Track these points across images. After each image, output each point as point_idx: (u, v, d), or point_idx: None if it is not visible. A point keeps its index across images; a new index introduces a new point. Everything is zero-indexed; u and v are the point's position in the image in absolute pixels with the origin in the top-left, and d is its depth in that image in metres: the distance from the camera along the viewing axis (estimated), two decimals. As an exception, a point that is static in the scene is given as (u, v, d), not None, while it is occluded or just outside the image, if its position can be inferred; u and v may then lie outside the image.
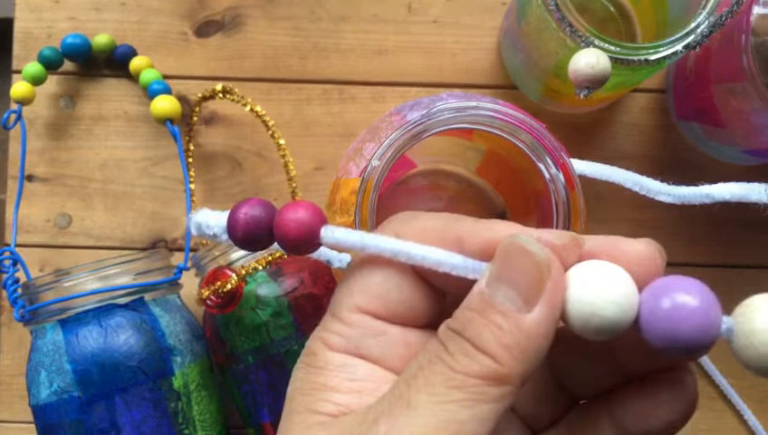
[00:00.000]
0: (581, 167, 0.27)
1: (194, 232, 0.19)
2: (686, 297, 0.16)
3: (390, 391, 0.17)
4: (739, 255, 0.43)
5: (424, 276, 0.19)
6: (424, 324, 0.19)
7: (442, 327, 0.17)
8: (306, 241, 0.18)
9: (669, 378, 0.18)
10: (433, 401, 0.16)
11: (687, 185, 0.25)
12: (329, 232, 0.18)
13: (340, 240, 0.18)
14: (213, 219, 0.19)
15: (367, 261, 0.19)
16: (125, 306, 0.35)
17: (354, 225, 0.27)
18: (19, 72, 0.43)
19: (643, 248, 0.17)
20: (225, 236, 0.19)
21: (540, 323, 0.16)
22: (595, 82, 0.29)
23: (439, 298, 0.19)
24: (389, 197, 0.36)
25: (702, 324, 0.16)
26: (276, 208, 0.19)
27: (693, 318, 0.16)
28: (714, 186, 0.23)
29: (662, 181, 0.26)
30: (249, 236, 0.18)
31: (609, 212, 0.43)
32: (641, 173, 0.43)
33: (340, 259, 0.24)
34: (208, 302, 0.34)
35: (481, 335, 0.16)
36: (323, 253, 0.24)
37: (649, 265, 0.17)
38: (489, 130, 0.27)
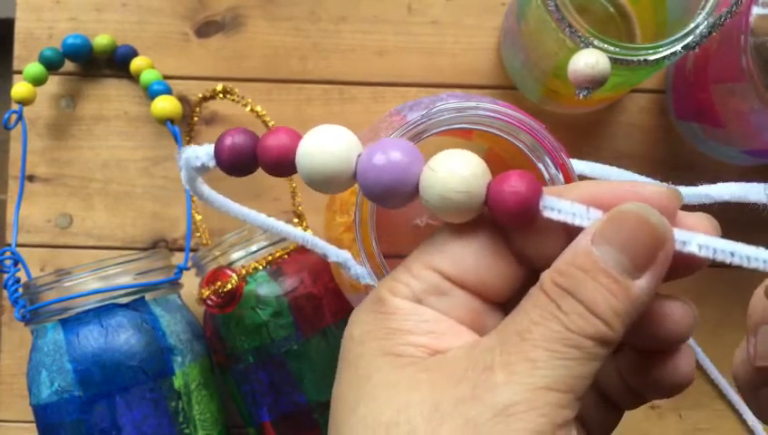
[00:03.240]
0: (581, 167, 0.27)
1: (182, 168, 0.21)
2: (393, 153, 0.18)
3: (498, 340, 0.17)
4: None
5: (513, 247, 0.19)
6: (490, 299, 0.20)
7: (547, 281, 0.17)
8: (284, 163, 0.19)
9: None
10: (552, 357, 0.17)
11: (687, 185, 0.25)
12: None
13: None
14: (199, 150, 0.20)
15: (455, 227, 0.19)
16: (126, 306, 0.35)
17: (354, 225, 0.27)
18: (20, 72, 0.43)
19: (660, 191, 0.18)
20: (211, 163, 0.20)
21: (647, 292, 0.17)
22: (594, 83, 0.29)
23: (514, 278, 0.20)
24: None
25: (404, 173, 0.18)
26: (258, 136, 0.20)
27: (396, 168, 0.18)
28: (713, 186, 0.23)
29: (661, 181, 0.26)
30: (234, 160, 0.20)
31: (608, 212, 0.43)
32: (641, 173, 0.43)
33: (337, 254, 0.24)
34: (209, 302, 0.34)
35: (595, 300, 0.17)
36: (319, 245, 0.24)
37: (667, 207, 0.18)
38: (489, 130, 0.27)
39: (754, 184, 0.21)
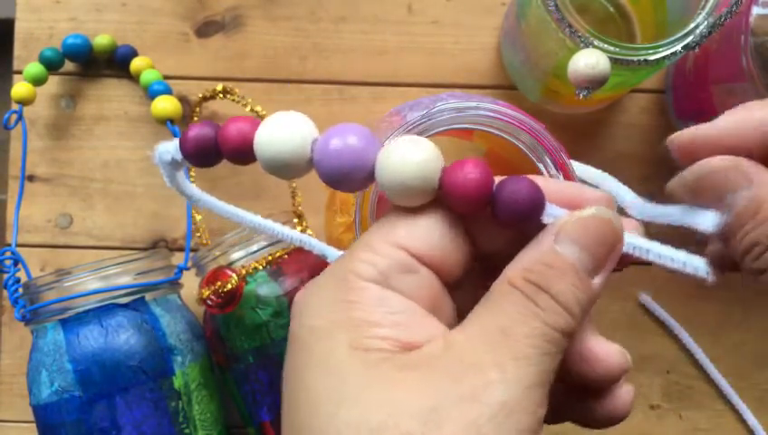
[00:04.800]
0: (578, 169, 0.27)
1: (157, 163, 0.21)
2: (349, 138, 0.19)
3: (479, 337, 0.18)
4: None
5: (470, 232, 0.20)
6: (446, 280, 0.20)
7: (518, 278, 0.18)
8: (243, 151, 0.20)
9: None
10: (537, 353, 0.17)
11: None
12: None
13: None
14: (168, 145, 0.21)
15: (414, 209, 0.19)
16: (126, 306, 0.35)
17: (354, 225, 0.27)
18: (20, 72, 0.43)
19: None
20: (179, 156, 0.21)
21: (601, 287, 0.19)
22: (594, 83, 0.29)
23: (469, 258, 0.20)
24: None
25: (359, 158, 0.19)
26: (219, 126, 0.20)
27: (352, 153, 0.18)
28: (660, 208, 0.22)
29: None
30: (198, 151, 0.20)
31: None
32: (640, 173, 0.43)
33: (335, 255, 0.24)
34: (209, 302, 0.34)
35: (566, 295, 0.18)
36: (316, 246, 0.24)
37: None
38: (489, 130, 0.27)
39: (704, 212, 0.20)
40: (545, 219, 0.19)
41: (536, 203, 0.18)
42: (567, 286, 0.18)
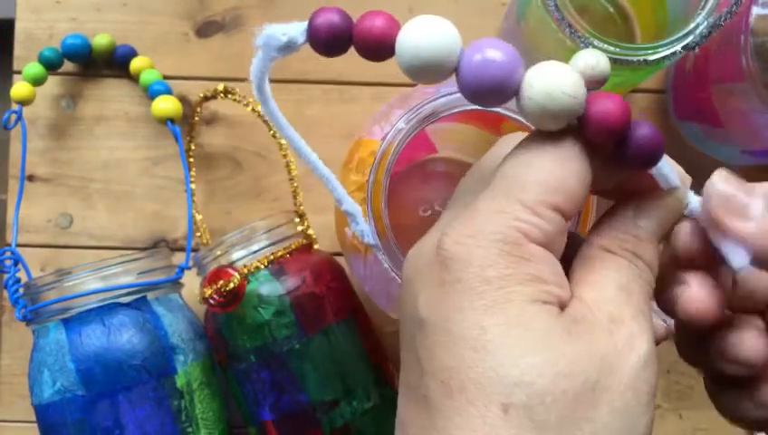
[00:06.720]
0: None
1: (261, 48, 0.21)
2: (494, 52, 0.19)
3: (610, 298, 0.20)
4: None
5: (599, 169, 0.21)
6: None
7: (616, 248, 0.21)
8: (383, 46, 0.20)
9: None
10: (648, 307, 0.21)
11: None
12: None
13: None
14: (287, 27, 0.20)
15: (560, 161, 0.20)
16: (128, 305, 0.35)
17: (367, 185, 0.28)
18: (19, 72, 0.43)
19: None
20: (301, 40, 0.20)
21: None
22: (594, 83, 0.29)
23: None
24: (404, 176, 0.37)
25: (504, 73, 0.19)
26: (351, 18, 0.20)
27: (498, 67, 0.19)
28: None
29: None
30: (331, 38, 0.20)
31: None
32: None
33: (350, 204, 0.24)
34: (211, 301, 0.34)
35: (651, 260, 0.21)
36: (337, 189, 0.24)
37: None
38: (521, 120, 0.27)
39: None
40: (654, 171, 0.20)
41: (660, 149, 0.19)
42: (650, 253, 0.21)
